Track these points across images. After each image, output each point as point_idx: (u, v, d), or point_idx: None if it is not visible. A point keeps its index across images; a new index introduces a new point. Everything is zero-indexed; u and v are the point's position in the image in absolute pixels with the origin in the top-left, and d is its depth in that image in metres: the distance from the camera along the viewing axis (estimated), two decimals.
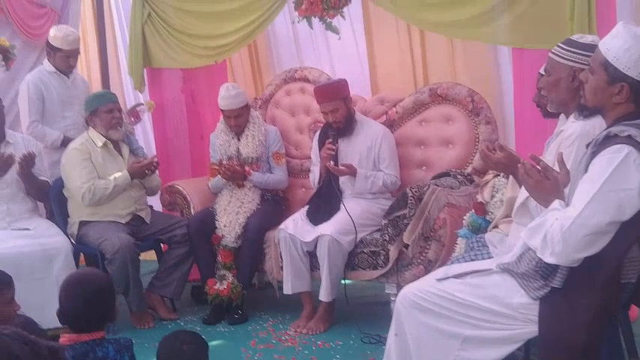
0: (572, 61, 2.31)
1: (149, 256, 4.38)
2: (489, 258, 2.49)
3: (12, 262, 3.36)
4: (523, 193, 2.27)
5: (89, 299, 2.02)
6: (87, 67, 5.32)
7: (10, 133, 3.86)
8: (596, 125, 2.13)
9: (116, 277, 3.62)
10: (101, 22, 4.98)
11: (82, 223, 3.83)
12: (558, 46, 2.37)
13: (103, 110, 3.80)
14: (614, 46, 1.90)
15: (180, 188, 4.20)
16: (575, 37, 2.37)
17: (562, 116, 2.47)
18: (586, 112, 2.17)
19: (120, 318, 3.78)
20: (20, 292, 3.29)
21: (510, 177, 2.58)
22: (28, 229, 3.65)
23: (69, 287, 2.07)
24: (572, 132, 2.25)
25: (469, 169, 3.74)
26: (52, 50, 4.12)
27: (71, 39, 4.12)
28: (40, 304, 3.06)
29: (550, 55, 2.39)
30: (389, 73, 4.32)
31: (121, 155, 3.93)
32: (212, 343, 3.50)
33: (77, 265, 3.79)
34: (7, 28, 4.46)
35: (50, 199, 3.93)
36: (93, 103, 3.86)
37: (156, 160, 3.96)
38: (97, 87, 5.14)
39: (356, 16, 4.25)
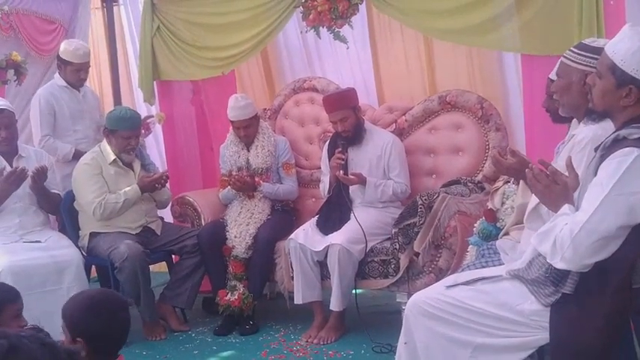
0: (583, 64, 2.29)
1: (160, 268, 4.40)
2: (500, 265, 2.46)
3: (24, 274, 3.40)
4: (534, 199, 2.25)
5: (123, 318, 1.95)
6: (98, 80, 5.36)
7: (23, 146, 3.90)
8: (608, 129, 2.10)
9: (127, 285, 3.63)
10: (112, 36, 5.03)
11: (93, 235, 3.85)
12: (570, 50, 2.35)
13: (122, 135, 3.81)
14: (621, 49, 1.89)
15: (191, 200, 4.22)
16: (587, 41, 2.35)
17: (574, 121, 2.44)
18: (594, 115, 2.15)
19: (131, 329, 3.82)
20: (31, 304, 3.32)
21: (521, 183, 2.57)
22: (39, 242, 3.67)
23: (99, 309, 1.90)
24: (583, 136, 2.23)
25: (479, 177, 3.73)
26: (62, 64, 4.17)
27: (81, 52, 4.17)
28: (51, 315, 3.04)
29: (562, 58, 2.37)
30: (395, 81, 4.31)
31: (133, 170, 3.95)
32: (223, 354, 3.54)
33: (88, 277, 3.81)
34: (14, 44, 4.50)
35: (62, 212, 3.96)
36: (115, 123, 3.82)
37: (166, 174, 3.97)
38: (108, 100, 5.19)
39: (361, 24, 4.25)
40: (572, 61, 2.31)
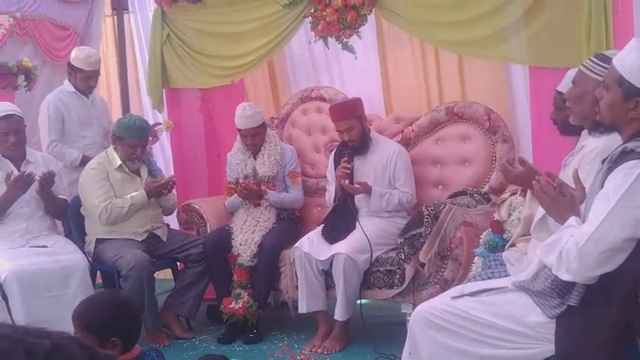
0: (601, 75, 2.27)
1: (165, 275, 4.40)
2: (506, 276, 2.46)
3: (29, 279, 3.41)
4: (541, 209, 2.24)
5: (138, 313, 2.15)
6: (107, 87, 5.40)
7: (30, 151, 3.90)
8: (618, 141, 2.10)
9: (131, 293, 3.62)
10: (122, 44, 5.07)
11: (99, 241, 3.85)
12: (590, 59, 2.33)
13: (128, 143, 3.82)
14: (628, 61, 1.89)
15: (197, 207, 4.22)
16: (608, 53, 2.35)
17: (584, 132, 2.44)
18: (601, 128, 2.15)
19: None
20: (37, 309, 3.36)
21: (528, 194, 2.56)
22: (45, 247, 3.67)
23: (122, 305, 2.03)
24: (593, 147, 2.22)
25: (486, 188, 3.72)
26: (72, 71, 4.19)
27: (92, 60, 4.19)
28: (57, 320, 3.06)
29: (580, 67, 2.36)
30: (402, 91, 4.32)
31: (139, 175, 3.97)
32: None
33: (94, 282, 3.81)
34: (26, 48, 4.54)
35: (68, 218, 3.97)
36: (123, 131, 3.83)
37: (173, 180, 3.98)
38: (116, 107, 5.23)
39: (369, 35, 4.27)
40: (591, 70, 2.29)
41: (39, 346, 0.80)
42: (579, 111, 2.35)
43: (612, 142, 2.16)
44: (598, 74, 2.27)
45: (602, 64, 2.27)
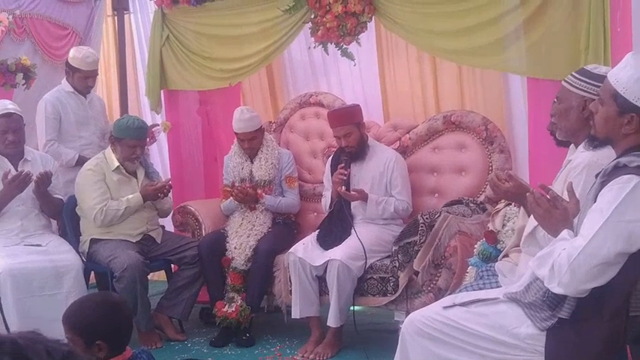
0: (583, 90, 2.30)
1: (159, 276, 4.39)
2: (498, 287, 2.46)
3: (23, 277, 3.41)
4: (531, 223, 2.25)
5: (129, 311, 2.13)
6: (107, 87, 5.40)
7: (28, 150, 3.91)
8: (605, 156, 2.11)
9: (124, 294, 3.62)
10: (122, 44, 5.07)
11: (93, 241, 3.85)
12: (572, 74, 2.37)
13: (127, 144, 3.83)
14: (623, 76, 1.89)
15: (193, 209, 4.23)
16: (589, 68, 2.37)
17: (572, 146, 2.45)
18: (596, 142, 2.16)
19: None
20: (31, 308, 3.36)
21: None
22: (40, 245, 3.67)
23: (112, 309, 2.01)
24: (580, 161, 2.24)
25: (482, 198, 3.73)
26: (70, 70, 4.19)
27: (90, 60, 4.19)
28: (50, 319, 3.06)
29: (563, 83, 2.39)
30: (401, 99, 4.33)
31: (136, 177, 3.97)
32: None
33: (87, 282, 3.81)
34: (23, 46, 4.54)
35: (63, 217, 3.97)
36: (122, 131, 3.83)
37: (169, 183, 3.98)
38: (115, 107, 5.23)
39: (369, 42, 4.27)
40: (573, 86, 2.32)
41: (58, 349, 0.91)
42: (565, 126, 2.37)
43: (598, 156, 2.17)
44: (580, 89, 2.30)
45: (583, 78, 2.30)
